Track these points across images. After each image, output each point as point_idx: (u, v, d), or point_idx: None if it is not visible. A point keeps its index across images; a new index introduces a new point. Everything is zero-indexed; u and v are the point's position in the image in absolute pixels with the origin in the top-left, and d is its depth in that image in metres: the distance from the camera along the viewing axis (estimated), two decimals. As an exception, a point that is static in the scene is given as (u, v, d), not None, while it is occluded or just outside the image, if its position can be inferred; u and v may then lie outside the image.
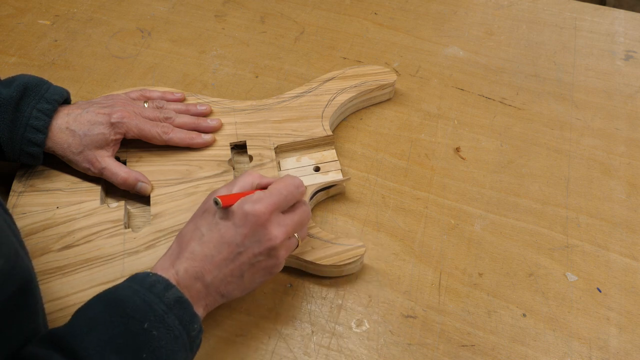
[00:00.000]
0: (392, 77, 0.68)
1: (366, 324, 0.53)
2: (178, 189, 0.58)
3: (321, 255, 0.53)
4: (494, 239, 0.58)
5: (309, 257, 0.53)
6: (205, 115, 0.64)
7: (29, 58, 0.74)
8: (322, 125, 0.62)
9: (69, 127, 0.56)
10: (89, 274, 0.52)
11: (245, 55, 0.75)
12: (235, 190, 0.49)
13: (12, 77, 0.56)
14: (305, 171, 0.61)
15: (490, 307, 0.54)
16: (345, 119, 0.68)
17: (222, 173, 0.59)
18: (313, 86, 0.66)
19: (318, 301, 0.54)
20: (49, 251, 0.53)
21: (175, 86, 0.71)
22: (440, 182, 0.63)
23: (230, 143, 0.61)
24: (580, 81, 0.73)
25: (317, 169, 0.61)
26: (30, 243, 0.53)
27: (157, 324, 0.41)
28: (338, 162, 0.61)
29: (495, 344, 0.52)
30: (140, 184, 0.57)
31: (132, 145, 0.61)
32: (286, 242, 0.49)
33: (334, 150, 0.62)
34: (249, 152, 0.61)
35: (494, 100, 0.70)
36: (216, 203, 0.46)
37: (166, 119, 0.61)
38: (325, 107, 0.64)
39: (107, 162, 0.57)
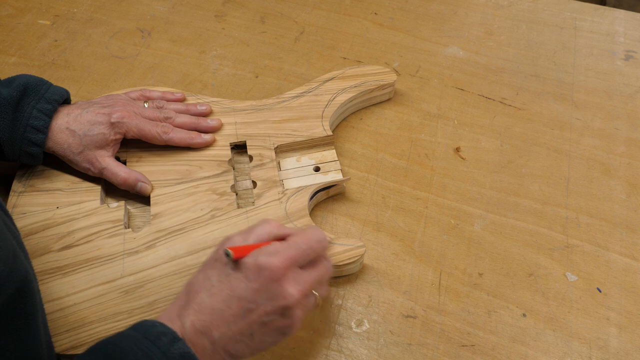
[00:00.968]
0: (392, 77, 0.68)
1: (366, 324, 0.53)
2: (178, 189, 0.58)
3: None
4: (494, 239, 0.58)
5: None
6: (205, 115, 0.64)
7: (29, 58, 0.74)
8: (322, 125, 0.62)
9: (69, 127, 0.56)
10: (89, 274, 0.52)
11: (245, 55, 0.75)
12: (252, 240, 0.45)
13: (12, 77, 0.56)
14: (305, 171, 0.61)
15: (490, 307, 0.54)
16: (345, 119, 0.68)
17: (222, 173, 0.59)
18: (313, 86, 0.66)
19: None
20: (49, 251, 0.53)
21: (175, 86, 0.71)
22: (440, 182, 0.63)
23: (230, 143, 0.61)
24: (580, 81, 0.73)
25: (317, 169, 0.61)
26: (30, 243, 0.53)
27: None
28: (338, 162, 0.61)
29: (495, 344, 0.52)
30: (140, 184, 0.57)
31: (132, 145, 0.61)
32: (303, 301, 0.44)
33: (334, 150, 0.62)
34: (249, 152, 0.61)
35: (494, 100, 0.70)
36: (227, 255, 0.42)
37: (166, 119, 0.61)
38: (325, 107, 0.64)
39: (107, 162, 0.57)
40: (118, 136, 0.58)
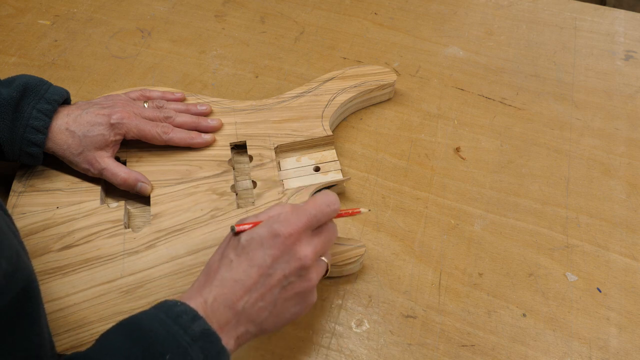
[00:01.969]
0: (392, 77, 0.68)
1: (366, 324, 0.53)
2: (178, 189, 0.58)
3: None
4: (494, 239, 0.58)
5: None
6: (206, 115, 0.64)
7: (29, 58, 0.74)
8: (322, 125, 0.62)
9: (68, 128, 0.56)
10: (89, 274, 0.52)
11: (245, 55, 0.75)
12: (262, 218, 0.47)
13: (12, 77, 0.56)
14: (305, 171, 0.61)
15: (490, 307, 0.54)
16: (345, 119, 0.68)
17: (222, 173, 0.59)
18: (313, 86, 0.66)
19: (318, 301, 0.54)
20: (49, 251, 0.53)
21: (175, 86, 0.71)
22: (440, 182, 0.63)
23: (230, 143, 0.61)
24: (580, 81, 0.73)
25: (317, 169, 0.61)
26: (30, 243, 0.54)
27: (179, 357, 0.39)
28: (338, 162, 0.61)
29: (495, 344, 0.52)
30: (140, 184, 0.57)
31: (132, 145, 0.61)
32: (316, 264, 0.46)
33: (334, 150, 0.62)
34: (249, 152, 0.61)
35: (494, 100, 0.70)
36: (232, 229, 0.45)
37: (166, 119, 0.61)
38: (325, 107, 0.64)
39: (106, 162, 0.57)
40: (118, 137, 0.58)
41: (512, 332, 0.52)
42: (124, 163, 0.60)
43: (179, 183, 0.58)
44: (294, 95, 0.65)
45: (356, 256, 0.53)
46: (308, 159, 0.62)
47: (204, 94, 0.70)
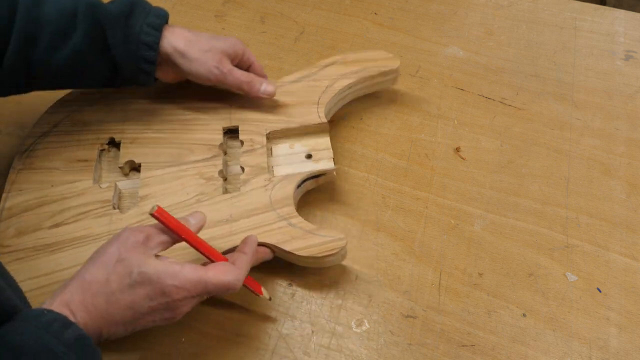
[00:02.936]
0: (395, 63, 0.66)
1: (366, 324, 0.53)
2: (167, 171, 0.57)
3: (300, 245, 0.52)
4: (494, 239, 0.58)
5: (288, 247, 0.52)
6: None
7: (29, 58, 0.74)
8: (318, 112, 0.61)
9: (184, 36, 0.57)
10: (75, 253, 0.52)
11: (245, 55, 0.75)
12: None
13: None
14: (297, 158, 0.59)
15: (490, 307, 0.54)
16: (345, 119, 0.68)
17: (211, 157, 0.58)
18: (313, 71, 0.65)
19: (318, 301, 0.54)
20: (40, 228, 0.54)
21: (175, 86, 0.71)
22: (440, 182, 0.63)
23: (223, 127, 0.61)
24: (580, 81, 0.73)
25: (309, 156, 0.60)
26: (23, 219, 0.54)
27: None
28: (331, 150, 0.60)
29: (495, 344, 0.52)
30: (264, 87, 0.59)
31: (128, 125, 0.61)
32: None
33: (328, 138, 0.61)
34: (241, 137, 0.60)
35: (494, 100, 0.70)
36: (152, 209, 0.45)
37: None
38: (323, 94, 0.63)
39: (231, 66, 0.58)
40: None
41: (512, 332, 0.52)
42: (118, 144, 0.60)
43: (169, 166, 0.58)
44: (293, 79, 0.64)
45: (336, 248, 0.52)
46: (301, 145, 0.61)
47: (204, 94, 0.70)
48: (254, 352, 0.51)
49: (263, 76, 0.62)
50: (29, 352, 0.37)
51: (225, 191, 0.57)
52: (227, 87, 0.60)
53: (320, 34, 0.78)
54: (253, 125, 0.61)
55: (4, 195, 0.56)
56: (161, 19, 0.55)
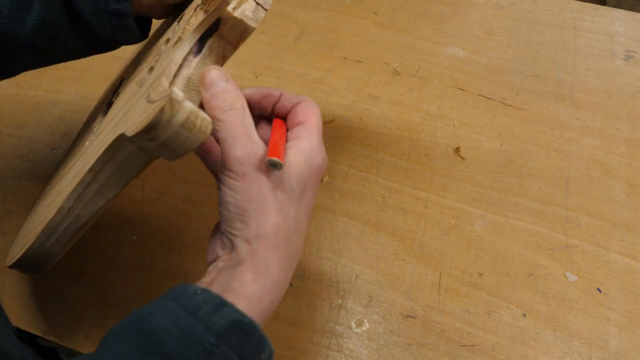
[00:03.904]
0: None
1: (366, 324, 0.53)
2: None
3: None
4: (494, 239, 0.58)
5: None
6: None
7: (29, 58, 0.74)
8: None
9: None
10: None
11: (245, 55, 0.75)
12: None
13: None
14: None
15: (490, 307, 0.54)
16: (345, 119, 0.68)
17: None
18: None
19: (318, 301, 0.54)
20: None
21: (175, 86, 0.71)
22: (440, 182, 0.63)
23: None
24: (580, 81, 0.73)
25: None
26: None
27: None
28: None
29: (495, 344, 0.52)
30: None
31: None
32: None
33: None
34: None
35: (494, 100, 0.70)
36: (275, 165, 0.36)
37: None
38: None
39: None
40: None
41: (512, 332, 0.52)
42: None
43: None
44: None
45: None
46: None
47: (204, 94, 0.70)
48: (254, 352, 0.51)
49: None
50: (170, 341, 0.31)
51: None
52: None
53: (320, 34, 0.78)
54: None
55: None
56: None
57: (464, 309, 0.54)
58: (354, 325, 0.53)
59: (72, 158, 0.51)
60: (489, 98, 0.71)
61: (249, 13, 0.40)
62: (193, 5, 0.45)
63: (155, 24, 0.55)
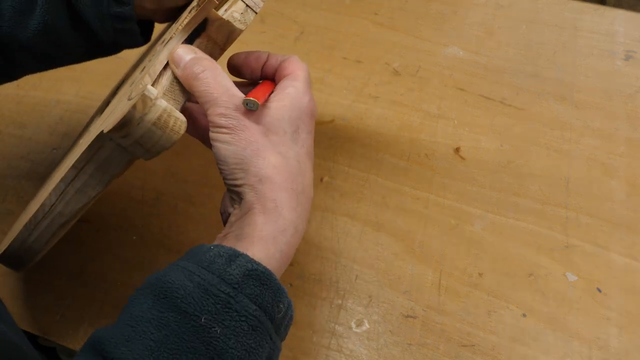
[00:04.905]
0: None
1: (366, 324, 0.53)
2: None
3: None
4: (494, 239, 0.58)
5: None
6: None
7: (29, 58, 0.74)
8: None
9: None
10: None
11: (245, 55, 0.75)
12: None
13: None
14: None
15: (490, 307, 0.54)
16: (345, 119, 0.68)
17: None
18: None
19: (318, 301, 0.54)
20: None
21: (175, 86, 0.71)
22: (440, 182, 0.63)
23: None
24: (580, 81, 0.72)
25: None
26: None
27: (220, 315, 0.31)
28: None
29: (495, 344, 0.52)
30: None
31: None
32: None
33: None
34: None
35: (494, 100, 0.70)
36: (251, 104, 0.36)
37: None
38: None
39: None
40: None
41: (512, 332, 0.52)
42: None
43: None
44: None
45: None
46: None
47: (204, 94, 0.70)
48: (254, 352, 0.51)
49: None
50: (185, 296, 0.31)
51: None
52: None
53: (320, 34, 0.78)
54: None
55: None
56: None
57: (464, 309, 0.54)
58: (354, 325, 0.53)
59: (68, 158, 0.51)
60: (489, 98, 0.71)
61: (236, 15, 0.41)
62: (189, 7, 0.45)
63: (158, 27, 0.55)
